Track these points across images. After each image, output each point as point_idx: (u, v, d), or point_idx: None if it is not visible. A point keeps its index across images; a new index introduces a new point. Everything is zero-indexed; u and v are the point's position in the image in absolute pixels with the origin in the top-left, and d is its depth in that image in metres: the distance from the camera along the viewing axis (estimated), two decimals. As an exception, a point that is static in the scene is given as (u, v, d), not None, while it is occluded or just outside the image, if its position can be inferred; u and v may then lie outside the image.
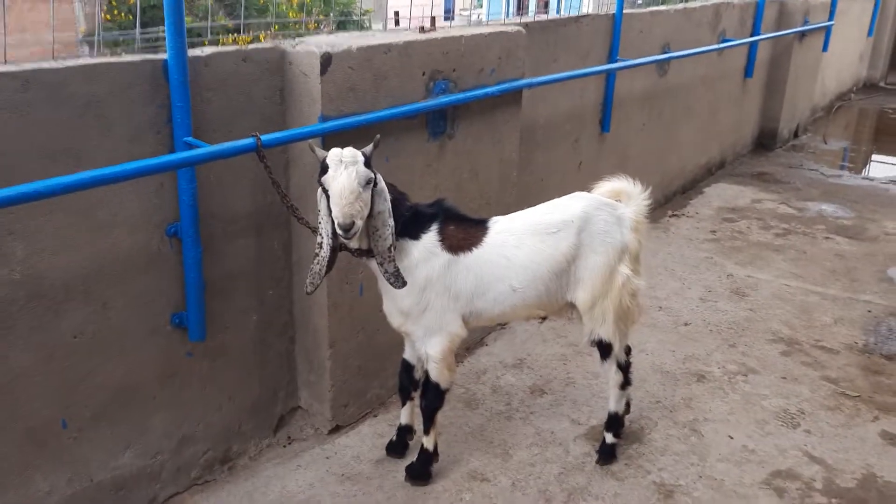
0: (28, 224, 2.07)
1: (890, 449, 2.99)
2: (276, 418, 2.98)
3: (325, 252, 2.31)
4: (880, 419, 3.18)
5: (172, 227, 2.41)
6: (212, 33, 3.59)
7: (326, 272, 2.34)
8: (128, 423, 2.44)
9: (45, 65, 2.06)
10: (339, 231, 2.17)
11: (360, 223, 2.18)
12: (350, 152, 2.19)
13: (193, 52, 2.39)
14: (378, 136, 2.28)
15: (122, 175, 2.06)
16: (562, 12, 4.67)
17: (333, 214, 2.17)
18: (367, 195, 2.21)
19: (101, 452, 2.39)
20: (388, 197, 2.32)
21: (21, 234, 2.06)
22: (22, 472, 2.20)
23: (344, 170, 2.15)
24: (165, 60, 2.27)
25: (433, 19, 3.26)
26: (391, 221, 2.32)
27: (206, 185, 2.48)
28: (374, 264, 2.39)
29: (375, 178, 2.23)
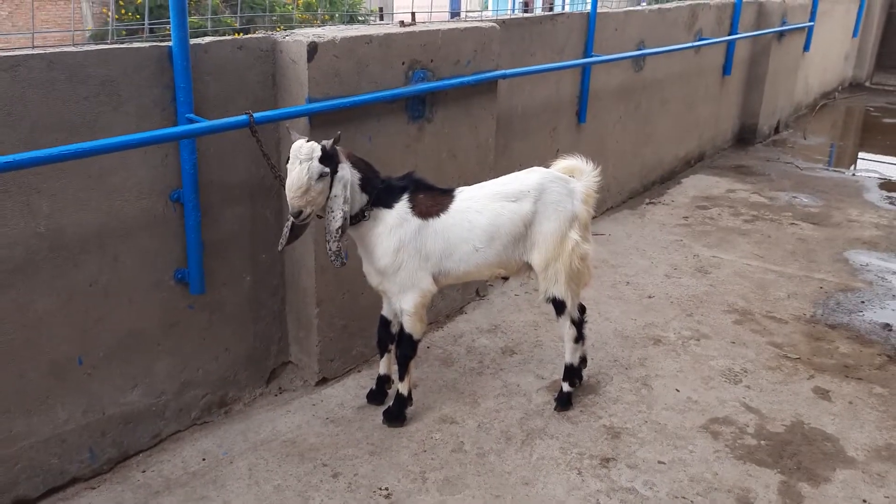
0: (53, 185, 2.41)
1: (820, 402, 3.31)
2: (268, 370, 3.31)
3: (289, 221, 2.62)
4: (815, 377, 3.50)
5: (175, 193, 2.76)
6: (219, 33, 3.92)
7: (291, 239, 2.65)
8: (135, 365, 2.78)
9: (67, 48, 2.41)
10: (290, 216, 2.50)
11: (309, 210, 2.50)
12: (308, 148, 2.46)
13: (195, 41, 2.73)
14: (339, 132, 2.60)
15: (131, 143, 2.40)
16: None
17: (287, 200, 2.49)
18: (322, 185, 2.50)
19: (112, 389, 2.73)
20: (349, 182, 2.59)
21: (46, 193, 2.40)
22: (44, 400, 2.54)
23: (298, 165, 2.45)
24: (170, 47, 2.61)
25: (413, 14, 3.58)
26: (345, 207, 2.59)
27: (206, 157, 2.82)
28: (352, 231, 2.72)
29: (336, 167, 2.53)
